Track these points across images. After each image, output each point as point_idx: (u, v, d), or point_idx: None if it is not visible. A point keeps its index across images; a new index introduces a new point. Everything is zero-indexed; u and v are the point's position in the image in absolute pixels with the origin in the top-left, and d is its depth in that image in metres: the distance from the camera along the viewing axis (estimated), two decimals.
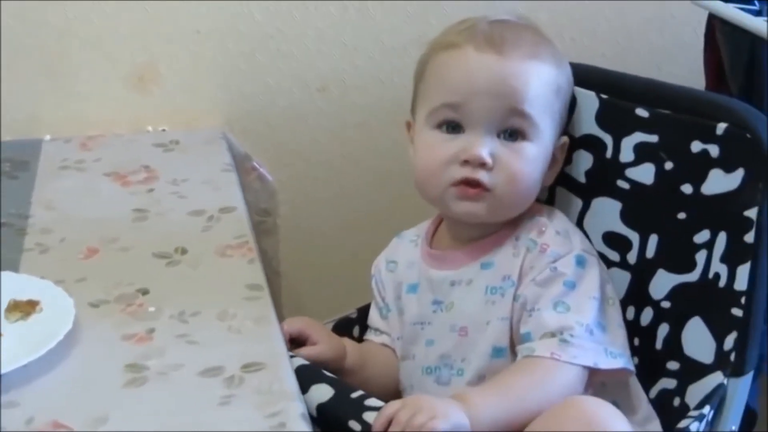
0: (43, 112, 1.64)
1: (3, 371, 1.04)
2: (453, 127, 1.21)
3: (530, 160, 1.19)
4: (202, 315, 1.17)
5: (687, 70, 1.60)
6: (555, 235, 1.19)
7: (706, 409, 1.14)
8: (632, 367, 1.17)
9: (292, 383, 1.06)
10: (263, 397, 1.03)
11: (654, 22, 1.69)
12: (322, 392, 1.11)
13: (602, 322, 1.16)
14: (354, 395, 1.11)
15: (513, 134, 1.19)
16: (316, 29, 1.65)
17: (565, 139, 1.25)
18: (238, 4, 1.62)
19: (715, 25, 1.51)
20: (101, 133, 1.65)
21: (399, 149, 1.66)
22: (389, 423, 1.04)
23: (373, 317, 1.32)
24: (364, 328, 1.33)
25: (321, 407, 1.09)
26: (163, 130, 1.66)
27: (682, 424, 1.13)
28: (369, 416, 1.08)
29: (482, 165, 1.18)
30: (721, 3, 1.40)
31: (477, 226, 1.24)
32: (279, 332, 1.15)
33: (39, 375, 1.06)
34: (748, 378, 1.17)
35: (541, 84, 1.19)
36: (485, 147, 1.18)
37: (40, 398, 1.03)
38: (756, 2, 1.45)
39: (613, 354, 1.15)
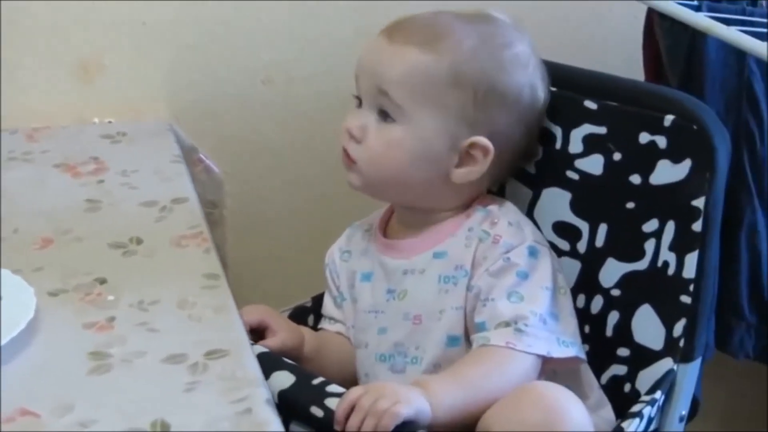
0: None
1: None
2: (359, 101, 1.26)
3: (391, 142, 1.22)
4: (162, 304, 1.17)
5: (624, 64, 1.63)
6: (507, 227, 1.22)
7: (658, 394, 1.17)
8: (583, 356, 1.20)
9: (255, 370, 1.07)
10: (227, 383, 1.04)
11: (593, 15, 1.72)
12: (283, 379, 1.12)
13: (554, 311, 1.19)
14: (315, 382, 1.13)
15: (383, 114, 1.23)
16: (260, 20, 1.66)
17: (478, 139, 1.22)
18: None
19: (654, 19, 1.55)
20: (47, 125, 1.64)
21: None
22: (351, 408, 1.06)
23: (327, 306, 1.34)
24: (319, 316, 1.35)
25: (282, 394, 1.11)
26: (110, 122, 1.66)
27: (634, 408, 1.16)
28: (331, 402, 1.10)
29: (352, 136, 1.23)
30: None
31: (422, 214, 1.26)
32: (239, 320, 1.16)
33: (2, 363, 1.06)
34: (696, 364, 1.21)
35: (414, 72, 1.20)
36: (358, 120, 1.24)
37: (5, 386, 1.03)
38: None
39: (566, 343, 1.18)
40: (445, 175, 1.23)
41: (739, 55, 1.45)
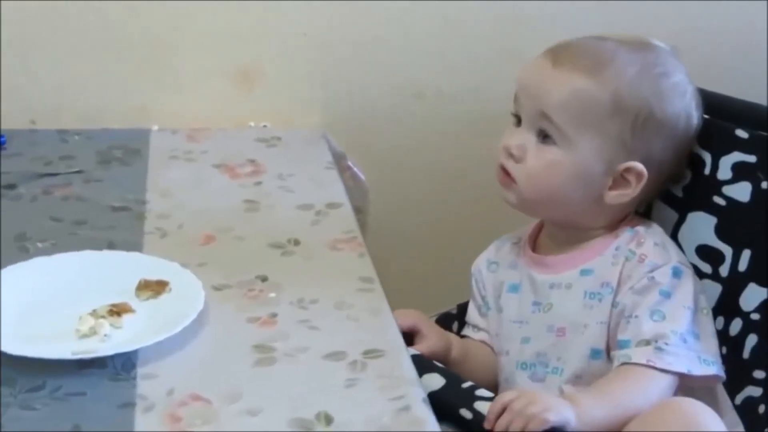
0: (151, 103, 1.72)
1: (141, 345, 1.11)
2: (518, 119, 1.31)
3: (550, 164, 1.26)
4: (320, 303, 1.24)
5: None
6: (653, 247, 1.26)
7: None
8: (723, 374, 1.24)
9: (411, 370, 1.13)
10: (386, 381, 1.10)
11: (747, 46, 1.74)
12: (434, 381, 1.18)
13: (696, 330, 1.23)
14: (465, 385, 1.18)
15: (545, 137, 1.27)
16: (412, 37, 1.72)
17: (634, 164, 1.26)
18: (343, 6, 1.69)
19: None
20: (205, 126, 1.72)
21: (488, 159, 1.74)
22: (503, 409, 1.11)
23: (472, 314, 1.39)
24: (463, 323, 1.40)
25: (432, 395, 1.15)
26: (264, 126, 1.74)
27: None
28: (480, 405, 1.15)
29: (511, 155, 1.27)
30: None
31: (572, 231, 1.31)
32: (394, 323, 1.22)
33: (173, 351, 1.14)
34: None
35: (578, 98, 1.25)
36: (517, 139, 1.28)
37: (177, 372, 1.11)
38: None
39: (707, 361, 1.22)
40: (599, 196, 1.27)
41: None
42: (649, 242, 1.27)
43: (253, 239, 1.39)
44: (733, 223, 1.31)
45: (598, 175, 1.26)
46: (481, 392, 1.17)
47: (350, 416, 1.04)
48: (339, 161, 1.71)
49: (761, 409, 1.27)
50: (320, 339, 1.17)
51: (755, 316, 1.29)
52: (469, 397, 1.16)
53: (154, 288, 1.24)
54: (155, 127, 1.71)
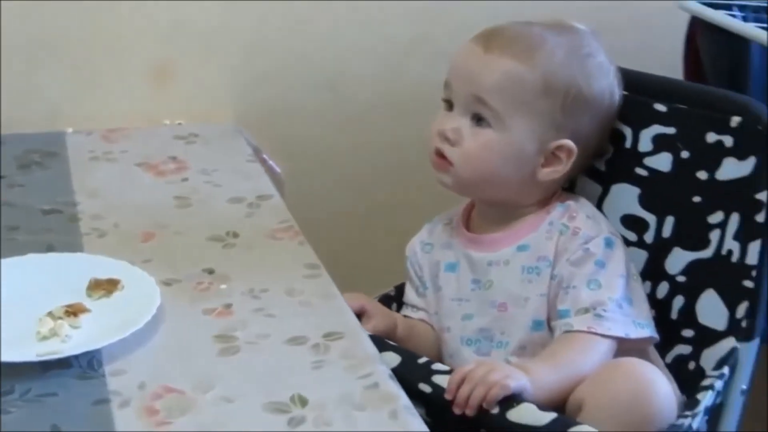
0: (64, 105, 1.72)
1: (107, 342, 1.13)
2: (449, 104, 1.35)
3: (486, 145, 1.31)
4: (272, 292, 1.27)
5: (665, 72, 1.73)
6: (586, 219, 1.33)
7: (726, 369, 1.28)
8: (656, 335, 1.31)
9: (373, 349, 1.17)
10: (350, 360, 1.14)
11: (632, 23, 1.83)
12: (390, 359, 1.22)
13: (629, 296, 1.30)
14: (420, 361, 1.23)
15: (479, 119, 1.32)
16: (324, 27, 1.76)
17: (565, 142, 1.32)
18: (250, 4, 1.71)
19: (696, 30, 1.66)
20: (120, 127, 1.72)
21: (400, 143, 1.79)
22: (463, 380, 1.16)
23: (410, 295, 1.44)
24: (401, 304, 1.45)
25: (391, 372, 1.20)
26: (179, 124, 1.75)
27: (706, 382, 1.27)
28: (438, 379, 1.20)
29: (447, 139, 1.33)
30: (711, 9, 1.55)
31: (506, 209, 1.36)
32: (346, 306, 1.25)
33: (137, 346, 1.15)
34: (755, 342, 1.32)
35: (510, 81, 1.30)
36: (452, 123, 1.33)
37: (145, 366, 1.12)
38: (736, 9, 1.61)
39: (641, 324, 1.29)
40: (532, 174, 1.33)
41: None
42: (581, 215, 1.33)
43: (192, 234, 1.40)
44: (656, 192, 1.38)
45: (531, 154, 1.32)
46: (438, 366, 1.22)
47: (323, 396, 1.08)
48: (254, 155, 1.74)
49: (691, 365, 1.35)
50: (278, 325, 1.20)
51: (681, 279, 1.36)
52: (427, 372, 1.21)
53: (105, 287, 1.24)
54: (70, 130, 1.71)
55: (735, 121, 1.31)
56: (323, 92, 1.79)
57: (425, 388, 1.19)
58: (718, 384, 1.27)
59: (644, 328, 1.29)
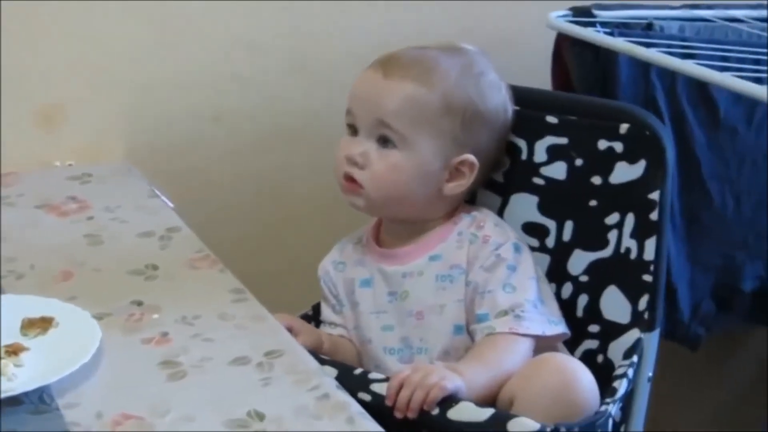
0: None
1: (61, 375, 1.14)
2: (353, 130, 1.42)
3: (394, 166, 1.39)
4: (204, 318, 1.30)
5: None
6: (494, 227, 1.41)
7: (635, 358, 1.38)
8: (569, 331, 1.40)
9: (314, 363, 1.22)
10: (296, 375, 1.18)
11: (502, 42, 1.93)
12: (328, 371, 1.27)
13: (541, 296, 1.38)
14: (356, 372, 1.28)
15: (384, 141, 1.39)
16: (208, 61, 1.80)
17: (467, 157, 1.40)
18: (137, 41, 1.74)
19: (563, 46, 1.77)
20: (10, 171, 1.72)
21: (290, 169, 1.85)
22: (401, 386, 1.22)
23: (326, 313, 1.49)
24: (319, 323, 1.50)
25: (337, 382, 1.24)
26: (70, 165, 1.76)
27: (619, 371, 1.36)
28: (376, 387, 1.25)
29: (355, 163, 1.40)
30: (580, 27, 1.66)
31: (414, 225, 1.43)
32: (278, 325, 1.30)
33: (84, 379, 1.16)
34: (657, 332, 1.42)
35: (412, 104, 1.38)
36: (359, 147, 1.40)
37: (97, 397, 1.14)
38: (599, 26, 1.72)
39: (554, 322, 1.38)
40: (438, 189, 1.41)
41: (645, 73, 1.68)
42: (489, 224, 1.41)
43: (110, 270, 1.42)
44: (554, 199, 1.47)
45: (436, 171, 1.39)
46: (374, 375, 1.28)
47: (278, 410, 1.11)
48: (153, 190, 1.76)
49: (599, 358, 1.44)
50: (218, 348, 1.23)
51: (584, 278, 1.46)
52: (364, 381, 1.26)
53: (39, 325, 1.25)
54: None
55: (624, 128, 1.42)
56: (209, 125, 1.82)
57: (365, 396, 1.24)
58: (630, 372, 1.36)
59: (558, 325, 1.38)
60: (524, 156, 1.49)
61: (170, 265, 1.43)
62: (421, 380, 1.22)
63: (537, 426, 1.18)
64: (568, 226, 1.47)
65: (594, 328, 1.44)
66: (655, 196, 1.40)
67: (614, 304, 1.43)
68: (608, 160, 1.43)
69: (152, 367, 1.20)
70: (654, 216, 1.40)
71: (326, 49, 1.84)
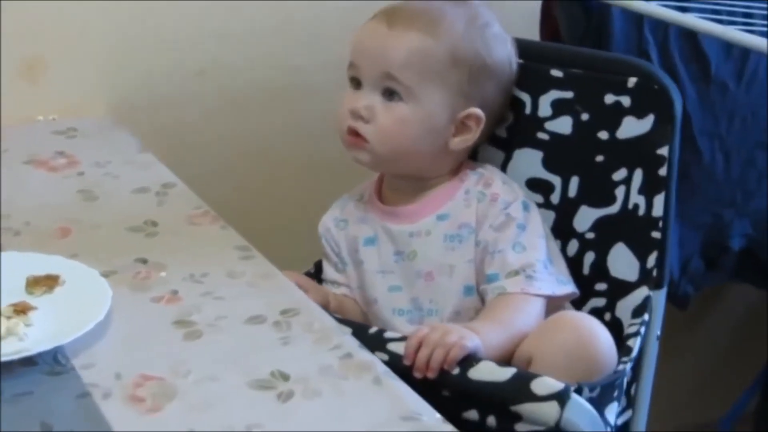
0: None
1: (73, 337, 1.10)
2: (357, 83, 1.39)
3: (401, 119, 1.36)
4: (212, 275, 1.27)
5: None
6: (502, 185, 1.39)
7: (646, 317, 1.37)
8: (577, 290, 1.38)
9: (331, 322, 1.19)
10: (315, 334, 1.16)
11: None
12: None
13: (550, 256, 1.37)
14: (371, 331, 1.26)
15: (390, 94, 1.36)
16: (192, 15, 1.75)
17: (473, 110, 1.38)
18: None
19: (552, 3, 1.75)
20: None
21: (275, 127, 1.81)
22: (419, 345, 1.20)
23: (329, 272, 1.46)
24: (321, 282, 1.47)
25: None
26: (53, 119, 1.71)
27: (631, 329, 1.35)
28: (393, 346, 1.23)
29: (360, 117, 1.36)
30: None
31: (419, 181, 1.41)
32: (290, 283, 1.27)
33: (96, 339, 1.13)
34: (664, 291, 1.41)
35: (418, 55, 1.35)
36: (363, 101, 1.37)
37: (113, 357, 1.11)
38: None
39: (563, 281, 1.37)
40: (444, 144, 1.38)
41: (638, 27, 1.67)
42: (497, 182, 1.39)
43: (109, 226, 1.38)
44: (559, 154, 1.46)
45: (443, 125, 1.37)
46: (390, 334, 1.25)
47: (302, 370, 1.09)
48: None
49: (607, 316, 1.43)
50: (232, 307, 1.20)
51: (590, 235, 1.44)
52: (380, 340, 1.24)
53: (45, 283, 1.22)
54: None
55: (631, 81, 1.40)
56: (193, 80, 1.78)
57: (381, 356, 1.21)
58: (643, 330, 1.35)
59: (567, 285, 1.37)
60: (528, 110, 1.47)
61: (170, 221, 1.40)
62: (440, 339, 1.20)
63: (561, 385, 1.17)
64: (574, 181, 1.45)
65: (601, 286, 1.43)
66: (663, 151, 1.39)
67: (622, 262, 1.42)
68: (615, 114, 1.41)
69: (166, 327, 1.17)
70: (662, 172, 1.39)
71: (312, 4, 1.79)
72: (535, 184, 1.47)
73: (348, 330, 1.22)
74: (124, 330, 1.16)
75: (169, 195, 1.47)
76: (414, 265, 1.39)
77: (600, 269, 1.43)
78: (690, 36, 1.70)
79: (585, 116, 1.43)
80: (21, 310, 1.16)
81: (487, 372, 1.19)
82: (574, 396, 1.17)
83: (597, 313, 1.43)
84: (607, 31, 1.66)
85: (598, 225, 1.44)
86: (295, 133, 1.84)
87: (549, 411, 1.16)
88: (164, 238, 1.36)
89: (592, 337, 1.25)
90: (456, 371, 1.20)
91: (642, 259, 1.40)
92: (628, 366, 1.29)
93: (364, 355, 1.13)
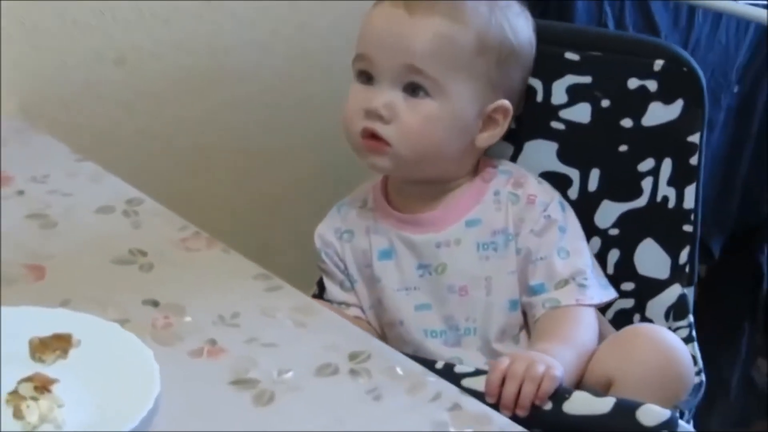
0: None
1: (135, 424, 0.90)
2: (367, 77, 1.22)
3: (428, 117, 1.20)
4: (245, 316, 1.08)
5: None
6: (538, 185, 1.25)
7: (691, 318, 1.27)
8: (617, 293, 1.27)
9: (410, 362, 1.04)
10: (402, 382, 1.00)
11: None
12: None
13: (593, 259, 1.25)
14: (438, 366, 1.10)
15: (415, 90, 1.20)
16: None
17: (501, 102, 1.24)
18: None
19: None
20: None
21: (199, 120, 1.61)
22: (503, 379, 1.06)
23: (334, 292, 1.29)
24: None
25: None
26: None
27: (682, 333, 1.25)
28: (469, 382, 1.08)
29: (379, 117, 1.19)
30: None
31: (433, 183, 1.25)
32: (337, 317, 1.11)
33: (150, 415, 0.93)
34: (694, 286, 1.32)
35: (445, 43, 1.19)
36: (382, 98, 1.20)
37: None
38: None
39: (605, 285, 1.25)
40: (471, 142, 1.23)
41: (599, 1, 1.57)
42: (531, 181, 1.25)
43: (89, 260, 1.17)
44: (576, 145, 1.33)
45: (472, 120, 1.22)
46: (461, 368, 1.11)
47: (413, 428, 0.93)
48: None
49: (636, 318, 1.32)
50: (290, 356, 1.03)
51: (614, 232, 1.33)
52: (451, 376, 1.07)
53: (56, 346, 1.00)
54: None
55: (658, 64, 1.29)
56: (111, 69, 1.55)
57: None
58: (694, 333, 1.26)
59: (609, 289, 1.26)
60: (540, 98, 1.33)
61: (159, 248, 1.19)
62: (526, 371, 1.06)
63: (668, 413, 1.05)
64: (594, 174, 1.33)
65: (628, 286, 1.32)
66: (694, 138, 1.28)
67: (651, 259, 1.31)
68: (640, 100, 1.30)
69: (226, 390, 0.98)
70: (694, 161, 1.29)
71: None
72: (549, 178, 1.33)
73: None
74: (176, 400, 0.96)
75: (141, 215, 1.26)
76: (444, 279, 1.23)
77: (626, 267, 1.32)
78: (642, 7, 1.63)
79: (605, 103, 1.31)
80: (42, 386, 0.94)
81: (584, 404, 1.07)
82: (681, 423, 1.06)
83: (625, 315, 1.32)
84: (570, 6, 1.55)
85: (623, 220, 1.32)
86: (226, 121, 1.64)
87: None
88: (163, 270, 1.16)
89: (677, 353, 1.15)
90: (548, 406, 1.06)
91: (673, 254, 1.30)
92: (702, 377, 1.19)
93: (474, 404, 0.98)
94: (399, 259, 1.25)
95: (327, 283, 1.29)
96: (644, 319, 1.31)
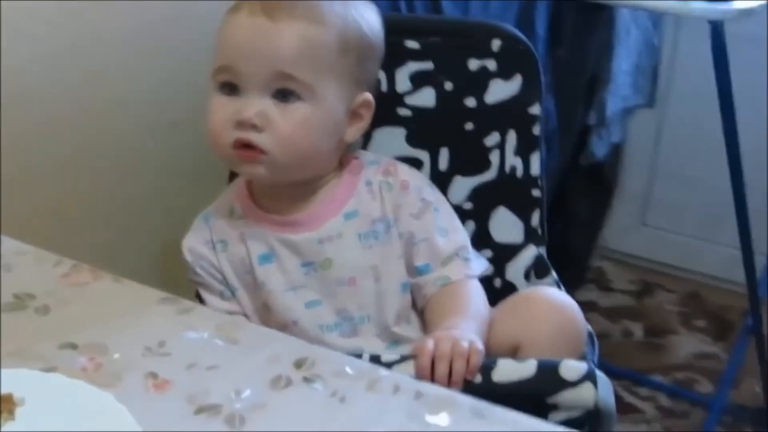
0: None
1: None
2: (231, 88, 1.22)
3: (303, 121, 1.21)
4: (171, 343, 1.06)
5: None
6: (408, 170, 1.30)
7: (554, 275, 1.36)
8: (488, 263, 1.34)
9: (358, 361, 1.06)
10: (358, 380, 1.02)
11: None
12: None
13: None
14: (365, 358, 1.14)
15: (285, 95, 1.21)
16: None
17: (365, 96, 1.26)
18: None
19: None
20: None
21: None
22: (432, 361, 1.10)
23: (214, 303, 1.28)
24: None
25: None
26: None
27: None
28: (398, 369, 1.11)
29: (252, 126, 1.20)
30: None
31: (303, 184, 1.27)
32: (265, 329, 1.11)
33: None
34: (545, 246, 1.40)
35: (311, 46, 1.21)
36: (252, 108, 1.20)
37: None
38: None
39: (478, 256, 1.32)
40: (340, 138, 1.25)
41: None
42: (401, 168, 1.29)
43: None
44: (423, 128, 1.38)
45: (342, 118, 1.24)
46: (388, 357, 1.16)
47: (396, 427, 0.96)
48: None
49: (497, 282, 1.40)
50: (235, 375, 1.02)
51: (468, 206, 1.39)
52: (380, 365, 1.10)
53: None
54: None
55: (496, 44, 1.36)
56: None
57: None
58: (561, 288, 1.34)
59: (482, 259, 1.32)
60: (385, 87, 1.37)
61: (44, 288, 1.14)
62: (452, 349, 1.10)
63: (585, 365, 1.13)
64: (444, 154, 1.39)
65: (486, 254, 1.39)
66: (534, 110, 1.37)
67: (505, 226, 1.39)
68: (481, 79, 1.37)
69: (194, 420, 0.97)
70: (536, 130, 1.38)
71: None
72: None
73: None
74: None
75: (5, 257, 1.19)
76: (331, 274, 1.25)
77: (482, 237, 1.40)
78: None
79: (449, 85, 1.37)
80: None
81: (510, 371, 1.13)
82: (598, 372, 1.13)
83: (486, 280, 1.38)
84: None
85: (475, 193, 1.39)
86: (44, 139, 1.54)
87: (586, 394, 1.12)
88: (61, 311, 1.11)
89: (572, 310, 1.23)
90: (478, 379, 1.12)
91: (526, 219, 1.39)
92: (589, 327, 1.28)
93: (431, 389, 1.01)
94: (281, 261, 1.26)
95: (205, 295, 1.28)
96: (504, 282, 1.39)
